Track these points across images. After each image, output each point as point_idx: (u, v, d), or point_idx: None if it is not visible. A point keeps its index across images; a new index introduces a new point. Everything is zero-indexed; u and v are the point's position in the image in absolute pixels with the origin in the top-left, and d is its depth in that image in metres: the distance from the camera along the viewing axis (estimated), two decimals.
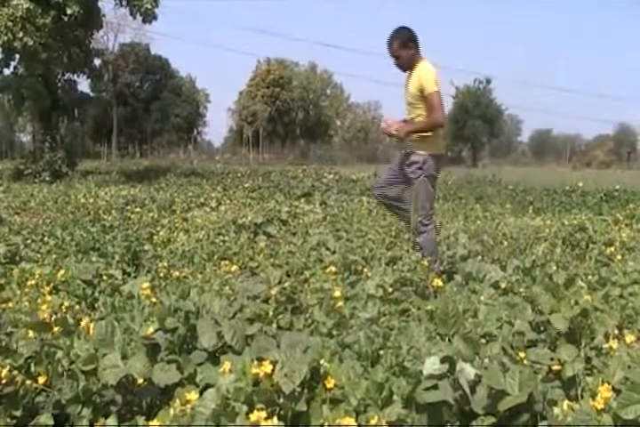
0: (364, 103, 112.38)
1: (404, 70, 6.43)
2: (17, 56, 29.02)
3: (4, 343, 3.21)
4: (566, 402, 2.59)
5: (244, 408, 2.54)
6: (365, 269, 6.07)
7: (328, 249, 7.63)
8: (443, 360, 2.73)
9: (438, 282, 4.94)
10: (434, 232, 6.55)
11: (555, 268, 6.18)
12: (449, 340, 3.21)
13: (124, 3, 29.42)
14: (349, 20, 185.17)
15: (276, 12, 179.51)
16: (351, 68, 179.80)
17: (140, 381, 2.86)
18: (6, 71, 29.64)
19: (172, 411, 2.65)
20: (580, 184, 20.63)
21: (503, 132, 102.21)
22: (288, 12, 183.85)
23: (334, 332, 3.77)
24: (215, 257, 7.17)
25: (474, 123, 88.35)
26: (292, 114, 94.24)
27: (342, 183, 23.89)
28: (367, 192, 19.38)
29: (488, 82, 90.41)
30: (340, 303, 4.28)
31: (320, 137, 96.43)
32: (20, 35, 26.12)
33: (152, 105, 80.00)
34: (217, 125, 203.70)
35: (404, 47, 6.27)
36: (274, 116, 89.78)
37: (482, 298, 4.70)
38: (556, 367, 3.02)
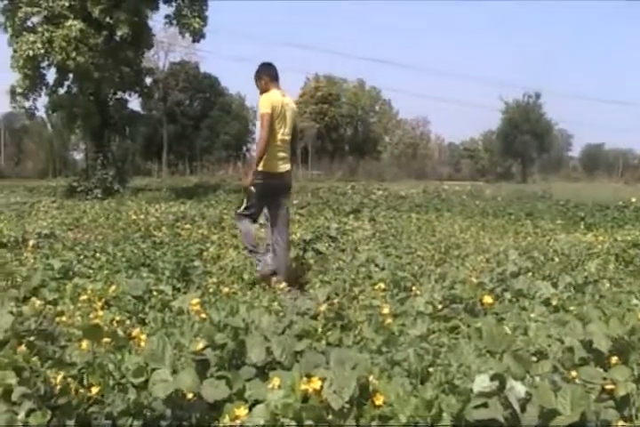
0: (413, 119, 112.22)
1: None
2: (70, 76, 29.61)
3: (57, 355, 3.27)
4: (621, 422, 2.54)
5: (293, 424, 2.55)
6: (414, 286, 6.04)
7: (377, 266, 7.61)
8: (492, 378, 2.70)
9: (488, 299, 4.90)
10: (248, 233, 7.45)
11: (607, 285, 6.09)
12: (499, 357, 3.18)
13: (173, 22, 29.89)
14: (397, 35, 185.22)
15: (323, 28, 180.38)
16: (399, 84, 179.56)
17: (190, 396, 2.88)
18: (60, 90, 30.25)
19: (221, 426, 2.67)
20: (634, 199, 20.25)
21: (553, 146, 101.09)
22: (335, 28, 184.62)
23: (383, 349, 3.75)
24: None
25: (523, 138, 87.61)
26: (340, 130, 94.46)
27: (391, 200, 23.83)
28: (416, 209, 19.33)
29: (538, 96, 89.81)
30: (389, 320, 4.27)
31: (369, 153, 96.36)
32: (74, 55, 26.66)
33: (201, 123, 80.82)
34: None
35: (258, 79, 7.45)
36: (322, 132, 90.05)
37: (532, 315, 4.65)
38: (608, 386, 2.96)
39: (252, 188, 7.05)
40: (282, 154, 7.26)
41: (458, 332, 4.32)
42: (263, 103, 7.08)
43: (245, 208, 7.25)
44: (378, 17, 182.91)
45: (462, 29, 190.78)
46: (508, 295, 5.73)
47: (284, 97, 7.36)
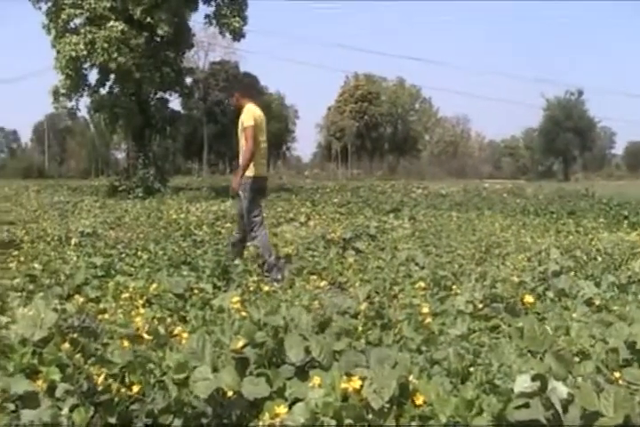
0: (453, 117, 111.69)
1: (238, 110, 8.21)
2: (112, 76, 29.94)
3: (99, 353, 3.31)
4: None
5: (333, 423, 2.55)
6: (455, 285, 6.01)
7: (417, 264, 7.59)
8: (534, 378, 2.68)
9: (530, 298, 4.85)
10: (265, 238, 7.85)
11: None
12: (540, 357, 3.15)
13: (213, 22, 30.08)
14: (438, 33, 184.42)
15: (363, 27, 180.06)
16: (440, 82, 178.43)
17: (230, 393, 2.90)
18: (102, 91, 30.60)
19: (261, 424, 2.68)
20: None
21: (596, 144, 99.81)
22: (375, 27, 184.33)
23: (423, 348, 3.73)
24: (304, 272, 7.20)
25: (565, 136, 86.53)
26: (380, 129, 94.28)
27: (431, 198, 23.75)
28: (457, 207, 19.23)
29: (580, 93, 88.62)
30: (429, 319, 4.25)
31: (408, 152, 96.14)
32: (115, 55, 26.96)
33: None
34: (306, 141, 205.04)
35: (231, 95, 8.45)
36: (362, 131, 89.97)
37: (574, 315, 4.59)
38: None
39: (241, 192, 7.77)
40: (264, 160, 8.11)
41: (499, 331, 4.29)
42: (247, 116, 7.84)
43: (253, 215, 7.78)
44: (417, 15, 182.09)
45: (503, 26, 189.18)
46: (549, 295, 5.68)
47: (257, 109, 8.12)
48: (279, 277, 7.20)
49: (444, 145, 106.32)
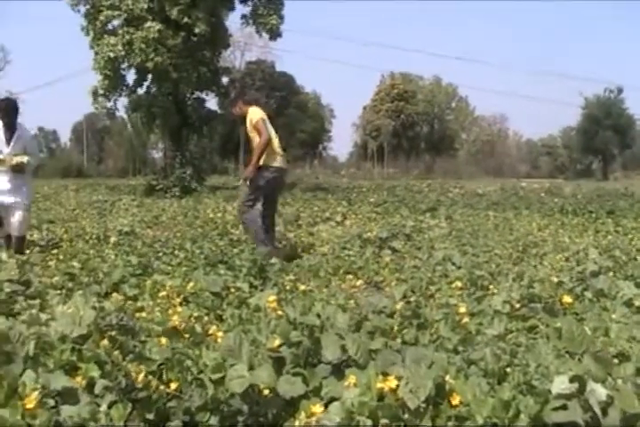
0: (490, 116, 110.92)
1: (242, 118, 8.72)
2: (149, 76, 30.21)
3: (137, 350, 3.34)
4: None
5: (369, 423, 2.54)
6: (492, 285, 5.97)
7: (453, 264, 7.55)
8: (572, 380, 2.65)
9: (568, 299, 4.81)
10: (256, 222, 8.41)
11: None
12: (578, 358, 3.12)
13: (250, 21, 30.20)
14: (474, 31, 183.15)
15: (398, 26, 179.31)
16: (476, 81, 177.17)
17: (266, 392, 2.91)
18: (139, 91, 30.91)
19: (297, 423, 2.68)
20: None
21: (636, 142, 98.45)
22: (410, 26, 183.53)
23: (460, 348, 3.71)
24: (340, 271, 7.20)
25: (604, 134, 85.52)
26: (416, 128, 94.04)
27: (468, 197, 23.60)
28: (493, 206, 19.10)
29: (619, 91, 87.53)
30: (466, 319, 4.23)
31: (445, 151, 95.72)
32: (152, 56, 27.22)
33: (277, 121, 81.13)
34: (342, 140, 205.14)
35: (233, 106, 8.88)
36: (398, 130, 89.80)
37: (614, 316, 4.54)
38: None
39: (249, 182, 8.41)
40: (279, 150, 8.58)
41: (536, 332, 4.25)
42: (254, 114, 8.39)
43: (247, 202, 8.44)
44: (453, 14, 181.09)
45: (539, 25, 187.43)
46: (588, 295, 5.61)
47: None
48: (262, 249, 7.86)
49: (480, 144, 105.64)
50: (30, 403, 2.60)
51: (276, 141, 8.56)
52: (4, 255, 6.76)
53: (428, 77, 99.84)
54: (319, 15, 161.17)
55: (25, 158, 7.64)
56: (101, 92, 29.46)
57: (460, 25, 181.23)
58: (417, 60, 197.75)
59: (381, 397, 2.66)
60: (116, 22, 28.94)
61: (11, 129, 7.61)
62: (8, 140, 7.60)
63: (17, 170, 7.65)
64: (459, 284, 5.63)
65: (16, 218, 7.79)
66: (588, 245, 9.65)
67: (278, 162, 8.53)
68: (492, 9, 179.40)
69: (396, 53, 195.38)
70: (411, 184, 33.51)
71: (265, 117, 8.50)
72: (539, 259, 8.29)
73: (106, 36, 28.22)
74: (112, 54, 27.56)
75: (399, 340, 3.81)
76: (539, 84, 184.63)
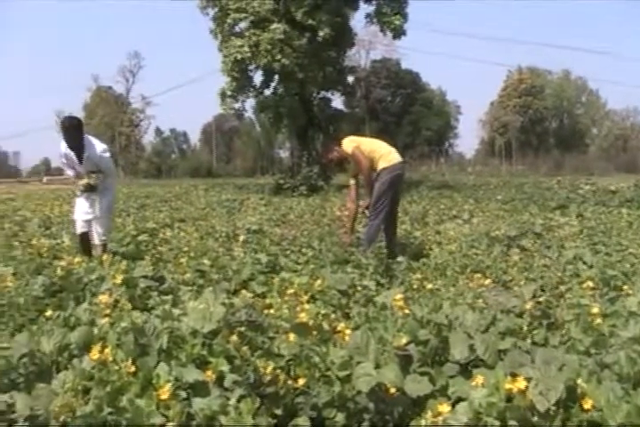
0: (622, 109, 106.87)
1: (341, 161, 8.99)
2: (276, 77, 30.69)
3: (266, 346, 3.40)
4: None
5: (497, 424, 2.50)
6: (626, 285, 5.76)
7: (585, 263, 7.33)
8: None
9: None
10: (377, 228, 8.42)
11: None
12: None
13: (374, 20, 30.17)
14: (604, 23, 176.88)
15: (523, 19, 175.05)
16: (607, 73, 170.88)
17: (393, 390, 2.90)
18: (266, 92, 31.45)
19: (423, 422, 2.67)
20: None
21: None
22: (536, 19, 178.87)
23: (592, 350, 3.60)
24: (468, 270, 7.12)
25: None
26: (545, 123, 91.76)
27: (600, 194, 22.82)
28: (627, 204, 18.41)
29: None
30: (599, 320, 4.09)
31: (575, 146, 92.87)
32: (279, 57, 27.61)
33: (403, 119, 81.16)
34: (468, 137, 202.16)
35: (331, 152, 8.92)
36: (526, 125, 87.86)
37: None
38: None
39: (380, 186, 8.37)
40: (392, 149, 8.63)
41: None
42: (347, 145, 8.47)
43: (379, 206, 8.40)
44: (580, 4, 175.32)
45: None
46: None
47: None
48: (364, 250, 7.77)
49: (612, 139, 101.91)
50: (164, 394, 2.70)
51: (376, 145, 8.64)
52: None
53: (556, 71, 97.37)
54: (444, 12, 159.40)
55: (92, 180, 7.81)
56: (229, 93, 30.12)
57: (588, 16, 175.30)
58: (545, 53, 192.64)
59: (509, 398, 2.62)
60: (242, 25, 29.52)
61: (79, 148, 7.69)
62: (80, 160, 7.76)
63: (89, 190, 7.86)
64: (590, 284, 5.45)
65: (94, 228, 8.04)
66: None
67: (390, 161, 8.41)
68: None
69: (522, 48, 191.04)
70: (540, 181, 32.73)
71: (356, 139, 8.69)
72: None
73: (233, 38, 28.84)
74: (239, 56, 28.11)
75: (528, 340, 3.73)
76: None
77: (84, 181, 7.77)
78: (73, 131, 7.60)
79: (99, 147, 7.75)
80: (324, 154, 9.15)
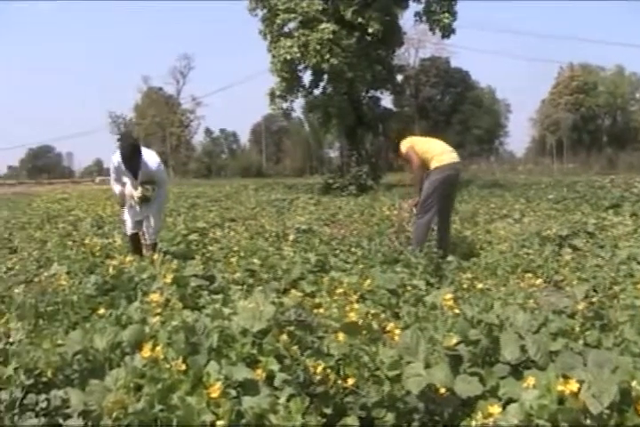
0: None
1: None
2: (324, 77, 30.73)
3: (316, 346, 3.41)
4: None
5: (548, 426, 2.47)
6: None
7: (639, 263, 7.21)
8: None
9: None
10: (424, 227, 8.36)
11: None
12: None
13: (423, 19, 30.04)
14: None
15: (575, 16, 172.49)
16: None
17: (443, 391, 2.89)
18: (315, 92, 31.52)
19: (473, 423, 2.65)
20: None
21: None
22: (588, 15, 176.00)
23: None
24: (519, 270, 7.05)
25: None
26: (597, 121, 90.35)
27: None
28: None
29: None
30: None
31: (629, 144, 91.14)
32: (327, 56, 27.65)
33: (453, 117, 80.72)
34: (518, 135, 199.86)
35: (399, 153, 8.85)
36: (578, 123, 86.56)
37: None
38: None
39: (429, 186, 8.36)
40: (447, 149, 8.71)
41: None
42: (403, 146, 8.60)
43: (427, 204, 8.40)
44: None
45: None
46: None
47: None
48: (413, 249, 7.73)
49: None
50: (214, 392, 2.72)
51: (431, 145, 8.71)
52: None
53: (609, 68, 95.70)
54: (493, 9, 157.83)
55: (147, 192, 7.88)
56: (278, 93, 30.28)
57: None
58: (597, 50, 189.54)
59: (561, 400, 2.58)
60: (291, 25, 29.62)
61: (135, 169, 7.75)
62: (135, 175, 7.81)
63: (144, 200, 7.94)
64: None
65: (145, 227, 8.14)
66: None
67: (442, 161, 8.39)
68: None
69: (573, 44, 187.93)
70: (592, 180, 32.18)
71: (413, 139, 8.81)
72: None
73: (282, 38, 28.96)
74: (288, 56, 28.22)
75: (581, 342, 3.68)
76: None
77: (139, 192, 7.88)
78: (131, 155, 7.65)
79: (153, 162, 7.81)
80: (397, 155, 9.09)
